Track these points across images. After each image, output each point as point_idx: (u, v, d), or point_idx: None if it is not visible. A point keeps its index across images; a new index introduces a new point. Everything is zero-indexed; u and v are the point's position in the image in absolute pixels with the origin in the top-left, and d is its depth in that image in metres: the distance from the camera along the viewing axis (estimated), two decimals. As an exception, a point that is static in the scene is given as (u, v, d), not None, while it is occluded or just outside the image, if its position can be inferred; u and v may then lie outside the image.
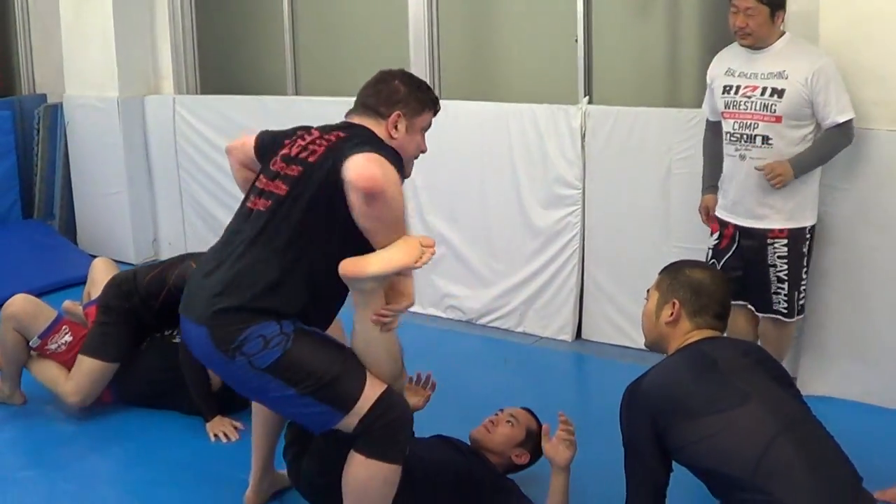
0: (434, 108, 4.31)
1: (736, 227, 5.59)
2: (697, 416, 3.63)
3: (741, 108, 5.44)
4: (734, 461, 3.53)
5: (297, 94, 8.66)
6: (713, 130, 5.78)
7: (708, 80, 5.73)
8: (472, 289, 7.48)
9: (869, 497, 3.59)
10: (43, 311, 5.82)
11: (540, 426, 4.75)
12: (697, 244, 6.34)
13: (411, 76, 4.29)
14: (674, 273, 4.12)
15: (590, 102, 6.90)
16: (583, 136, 6.80)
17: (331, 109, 7.97)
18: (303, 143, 4.03)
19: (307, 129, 4.18)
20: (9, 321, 5.76)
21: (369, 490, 3.88)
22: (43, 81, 9.90)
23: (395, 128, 4.12)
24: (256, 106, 8.51)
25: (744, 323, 5.67)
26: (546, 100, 7.04)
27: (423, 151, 4.33)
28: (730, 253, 5.63)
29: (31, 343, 5.75)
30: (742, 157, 5.46)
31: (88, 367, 5.68)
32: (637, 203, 6.69)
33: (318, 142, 3.99)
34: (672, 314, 4.00)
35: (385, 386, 3.90)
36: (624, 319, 6.87)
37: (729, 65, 5.57)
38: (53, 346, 5.75)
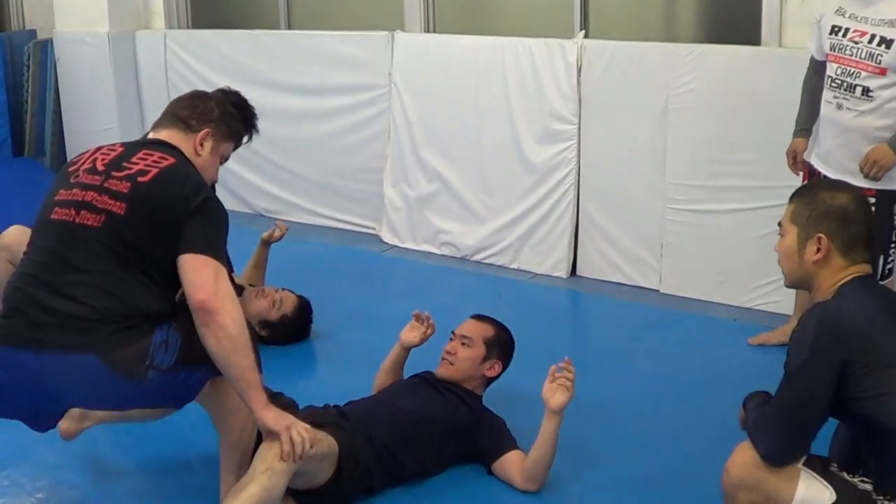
0: (238, 141, 4.24)
1: (825, 178, 5.24)
2: (891, 366, 3.23)
3: (846, 52, 5.06)
4: None
5: (289, 27, 8.56)
6: (816, 70, 5.38)
7: (817, 16, 5.34)
8: (467, 225, 7.43)
9: None
10: None
11: (497, 326, 4.79)
12: (693, 180, 6.32)
13: (228, 100, 4.21)
14: (810, 200, 3.51)
15: (586, 37, 6.81)
16: (579, 71, 6.72)
17: (322, 43, 7.98)
18: (107, 157, 3.82)
19: (100, 147, 3.94)
20: (2, 251, 5.70)
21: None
22: (32, 17, 9.81)
23: (202, 145, 4.01)
24: (248, 40, 8.44)
25: None
26: (542, 34, 6.97)
27: (215, 182, 4.19)
28: None
29: None
30: (839, 107, 5.11)
31: None
32: (633, 138, 6.62)
33: (138, 159, 3.79)
34: (819, 250, 3.43)
35: None
36: (619, 256, 6.83)
37: (841, 3, 5.16)
38: None
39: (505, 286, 6.89)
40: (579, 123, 6.78)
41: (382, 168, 7.82)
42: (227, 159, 4.21)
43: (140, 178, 3.70)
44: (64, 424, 4.25)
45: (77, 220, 3.66)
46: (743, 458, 3.39)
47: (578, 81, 6.73)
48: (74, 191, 3.73)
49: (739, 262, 6.28)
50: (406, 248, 7.72)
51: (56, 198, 3.77)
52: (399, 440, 4.30)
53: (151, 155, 3.80)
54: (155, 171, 3.73)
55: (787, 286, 3.69)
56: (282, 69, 8.13)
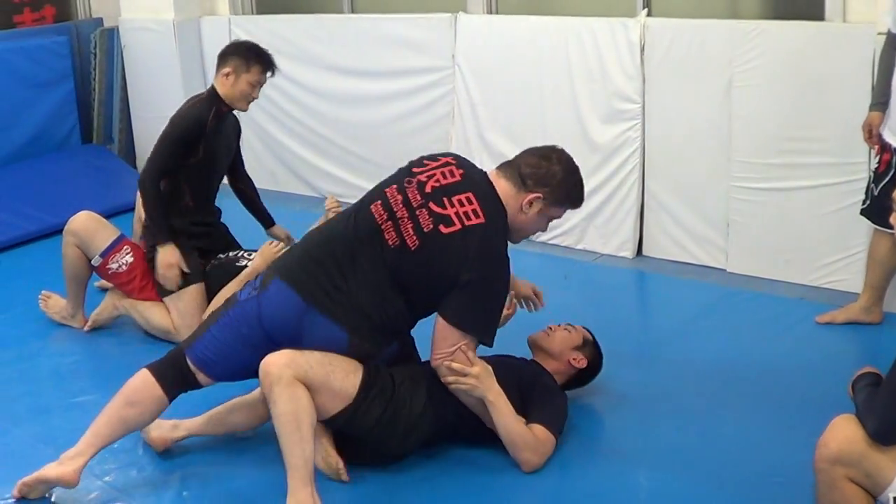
0: (573, 206, 4.48)
1: None
2: None
3: None
4: None
5: (353, 11, 8.59)
6: (893, 44, 5.27)
7: None
8: (532, 206, 7.41)
9: None
10: (105, 228, 5.86)
11: (595, 342, 4.81)
12: (759, 158, 6.29)
13: (574, 167, 4.40)
14: None
15: (648, 15, 6.78)
16: (642, 50, 6.69)
17: (386, 26, 7.99)
18: (441, 182, 4.26)
19: (454, 161, 4.42)
20: (70, 236, 5.81)
21: None
22: (99, 5, 9.85)
23: (530, 205, 4.28)
24: (313, 25, 8.47)
25: (885, 250, 5.39)
26: (604, 13, 6.95)
27: (543, 231, 4.56)
28: (887, 178, 5.22)
29: (92, 261, 5.79)
30: None
31: (190, 296, 5.77)
32: (698, 117, 6.59)
33: (457, 201, 4.18)
34: None
35: None
36: (685, 235, 6.81)
37: None
38: (115, 266, 5.77)
39: (571, 267, 6.89)
40: (643, 103, 6.76)
41: (447, 150, 7.82)
42: (558, 218, 4.52)
43: (442, 227, 4.12)
44: (154, 433, 4.51)
45: (382, 227, 4.21)
46: (846, 433, 3.38)
47: (642, 60, 6.70)
48: (399, 197, 4.25)
49: (806, 239, 6.25)
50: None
51: (386, 189, 4.33)
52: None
53: (471, 204, 4.17)
54: (458, 227, 4.12)
55: None
56: (346, 53, 8.16)
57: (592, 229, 7.14)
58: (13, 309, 6.34)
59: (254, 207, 6.40)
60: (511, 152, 7.31)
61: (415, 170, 4.35)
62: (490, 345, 4.25)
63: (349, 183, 8.42)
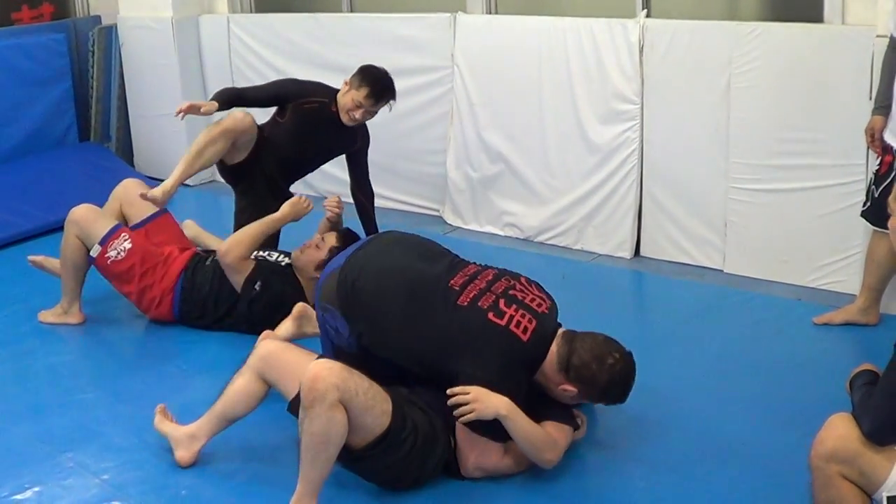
0: (603, 403, 4.46)
1: None
2: None
3: None
4: None
5: (351, 10, 8.59)
6: (895, 48, 5.33)
7: None
8: (530, 206, 7.44)
9: None
10: (104, 218, 5.95)
11: None
12: (757, 159, 6.28)
13: (622, 378, 4.28)
14: None
15: (648, 16, 6.78)
16: (641, 51, 6.69)
17: (385, 25, 7.97)
18: (530, 301, 4.35)
19: (551, 303, 4.49)
20: (71, 226, 5.86)
21: None
22: (97, 3, 9.86)
23: (563, 390, 4.25)
24: (311, 24, 8.47)
25: (884, 252, 5.40)
26: (604, 14, 6.94)
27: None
28: (888, 181, 5.22)
29: (91, 252, 5.81)
30: None
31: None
32: (696, 118, 6.58)
33: (518, 314, 4.25)
34: None
35: None
36: (683, 236, 6.80)
37: None
38: (113, 254, 5.77)
39: (568, 267, 6.89)
40: (642, 103, 6.76)
41: (445, 150, 7.84)
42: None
43: (492, 315, 4.22)
44: (178, 454, 4.46)
45: (460, 271, 4.48)
46: (842, 431, 3.41)
47: (641, 61, 6.70)
48: (490, 277, 4.46)
49: (804, 241, 6.25)
50: (469, 229, 7.74)
51: (488, 266, 4.60)
52: None
53: (530, 325, 4.24)
54: (502, 324, 4.20)
55: None
56: (345, 52, 8.14)
57: (591, 230, 7.14)
58: (9, 307, 6.35)
59: (363, 216, 6.78)
60: (509, 152, 7.40)
61: (521, 278, 4.51)
62: None
63: (346, 182, 8.40)
